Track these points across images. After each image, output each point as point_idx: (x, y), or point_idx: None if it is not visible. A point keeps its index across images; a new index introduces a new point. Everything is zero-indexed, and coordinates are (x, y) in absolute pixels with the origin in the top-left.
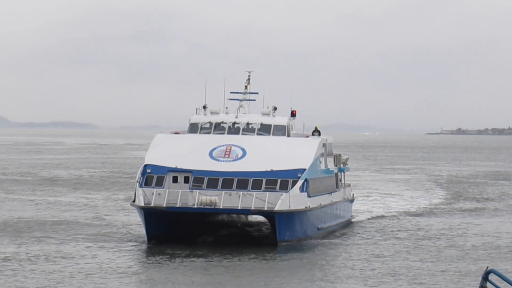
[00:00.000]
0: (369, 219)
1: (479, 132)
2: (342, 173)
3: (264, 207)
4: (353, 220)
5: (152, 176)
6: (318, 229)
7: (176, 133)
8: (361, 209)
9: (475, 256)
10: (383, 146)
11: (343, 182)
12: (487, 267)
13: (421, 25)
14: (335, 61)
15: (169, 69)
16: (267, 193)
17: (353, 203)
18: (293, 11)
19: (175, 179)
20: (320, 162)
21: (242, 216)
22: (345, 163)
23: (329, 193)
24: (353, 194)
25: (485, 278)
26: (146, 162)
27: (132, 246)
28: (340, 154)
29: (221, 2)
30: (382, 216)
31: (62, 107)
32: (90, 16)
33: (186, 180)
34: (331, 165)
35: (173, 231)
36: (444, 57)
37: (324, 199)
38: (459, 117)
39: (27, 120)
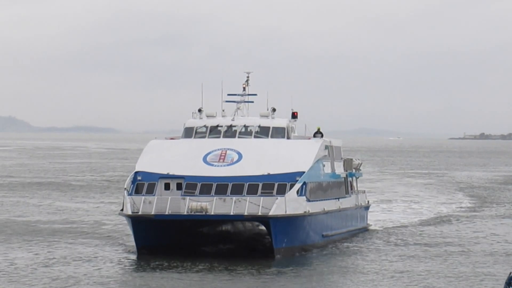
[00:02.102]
0: (386, 226)
1: (503, 137)
2: (354, 179)
3: (258, 213)
4: (369, 227)
5: (143, 183)
6: (323, 236)
7: (172, 138)
8: (379, 216)
9: (497, 261)
10: (407, 151)
11: (355, 187)
12: (510, 272)
13: (444, 29)
14: (358, 65)
15: (192, 73)
16: (261, 197)
17: (368, 210)
18: (316, 15)
19: (167, 186)
20: (324, 166)
21: (249, 225)
22: (357, 168)
23: (336, 198)
24: (368, 201)
25: (509, 283)
26: (137, 169)
27: (121, 257)
28: (351, 159)
29: (244, 7)
30: (401, 224)
31: (84, 111)
32: (113, 21)
33: (179, 187)
34: (339, 170)
35: (165, 242)
36: (467, 61)
37: (329, 205)
38: (482, 121)
39: (48, 125)
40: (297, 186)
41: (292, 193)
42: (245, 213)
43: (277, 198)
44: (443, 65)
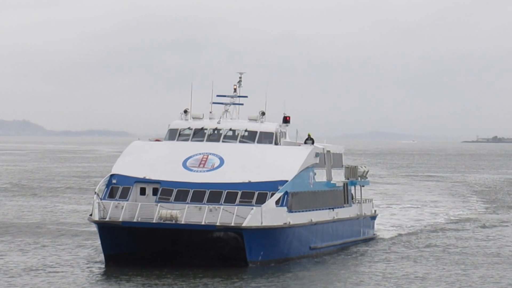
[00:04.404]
0: (395, 236)
1: None
2: (356, 187)
3: (231, 223)
4: (376, 238)
5: (118, 187)
6: (311, 248)
7: (157, 140)
8: (388, 224)
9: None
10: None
11: (358, 197)
12: None
13: (457, 32)
14: (373, 69)
15: (206, 77)
16: (236, 207)
17: (375, 220)
18: (331, 19)
19: (142, 191)
20: (315, 174)
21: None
22: (363, 176)
23: (330, 208)
24: (375, 210)
25: None
26: (113, 172)
27: (88, 264)
28: (355, 166)
29: (259, 11)
30: (411, 231)
31: (97, 115)
32: (127, 25)
33: (155, 192)
34: (338, 178)
35: (135, 250)
36: (480, 64)
37: (319, 215)
38: (495, 125)
39: (62, 129)
40: (277, 195)
41: (270, 203)
42: (217, 223)
43: (252, 208)
44: (457, 69)
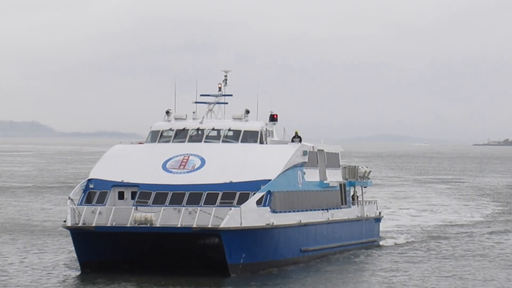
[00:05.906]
0: (401, 239)
1: None
2: (357, 188)
3: (208, 225)
4: (381, 241)
5: (95, 192)
6: (302, 251)
7: (140, 143)
8: (395, 227)
9: None
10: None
11: (359, 197)
12: None
13: (469, 35)
14: (384, 72)
15: (217, 79)
16: (214, 208)
17: (379, 222)
18: (342, 22)
19: (121, 195)
20: (304, 173)
21: None
22: (364, 177)
23: (324, 209)
24: (380, 212)
25: None
26: (90, 176)
27: (63, 272)
28: (355, 167)
29: (270, 13)
30: (417, 235)
31: (107, 117)
32: (138, 27)
33: (134, 196)
34: (334, 178)
35: (114, 257)
36: (492, 67)
37: (310, 216)
38: (506, 128)
39: (72, 130)
40: (258, 195)
41: (250, 203)
42: (194, 225)
43: (231, 209)
44: (468, 72)
